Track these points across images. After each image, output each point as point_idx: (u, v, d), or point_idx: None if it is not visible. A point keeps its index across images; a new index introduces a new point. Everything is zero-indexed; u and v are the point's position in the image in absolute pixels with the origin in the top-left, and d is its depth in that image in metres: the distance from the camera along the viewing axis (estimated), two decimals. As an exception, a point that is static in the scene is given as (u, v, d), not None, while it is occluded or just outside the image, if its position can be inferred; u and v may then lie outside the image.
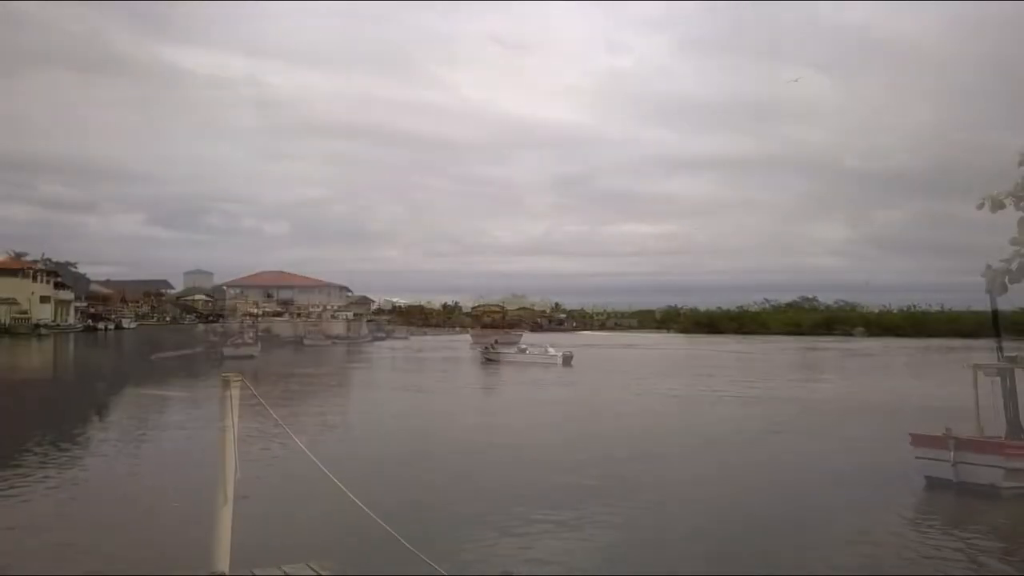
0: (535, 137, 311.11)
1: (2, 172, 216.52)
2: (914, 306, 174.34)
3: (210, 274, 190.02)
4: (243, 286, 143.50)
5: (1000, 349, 17.96)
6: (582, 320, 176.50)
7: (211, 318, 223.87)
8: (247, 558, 7.48)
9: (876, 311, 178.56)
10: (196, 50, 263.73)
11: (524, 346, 65.17)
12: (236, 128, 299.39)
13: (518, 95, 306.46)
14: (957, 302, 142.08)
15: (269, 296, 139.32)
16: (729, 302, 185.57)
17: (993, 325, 18.01)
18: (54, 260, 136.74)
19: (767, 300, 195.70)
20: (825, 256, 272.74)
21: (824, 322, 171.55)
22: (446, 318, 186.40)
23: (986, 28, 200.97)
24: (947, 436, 17.52)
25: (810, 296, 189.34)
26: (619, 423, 28.62)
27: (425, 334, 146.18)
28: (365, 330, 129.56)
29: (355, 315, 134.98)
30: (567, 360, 59.36)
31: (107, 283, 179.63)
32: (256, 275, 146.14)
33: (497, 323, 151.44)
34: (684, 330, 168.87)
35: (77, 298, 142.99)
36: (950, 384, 27.02)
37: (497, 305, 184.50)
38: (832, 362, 71.18)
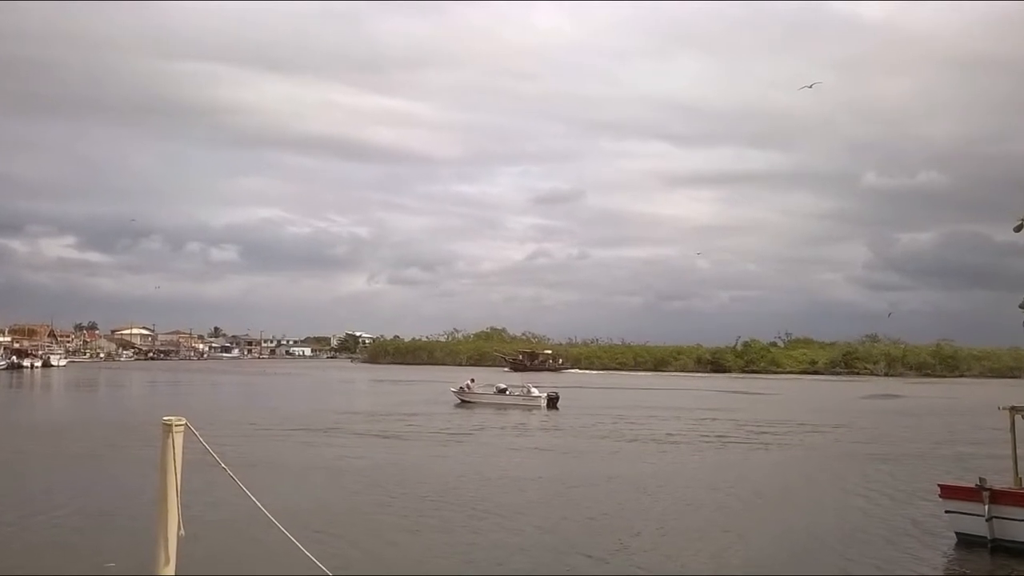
0: (516, 150, 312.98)
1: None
2: (946, 340, 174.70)
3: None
4: None
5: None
6: (572, 357, 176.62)
7: (152, 354, 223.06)
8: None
9: (901, 347, 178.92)
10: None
11: (504, 386, 65.16)
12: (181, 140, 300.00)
13: (497, 103, 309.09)
14: (992, 336, 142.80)
15: None
16: (733, 336, 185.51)
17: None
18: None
19: (779, 335, 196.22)
20: (843, 283, 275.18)
21: (842, 359, 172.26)
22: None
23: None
24: (980, 487, 17.51)
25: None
26: (604, 470, 28.54)
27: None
28: None
29: None
30: (552, 402, 59.35)
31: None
32: None
33: None
34: (684, 368, 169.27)
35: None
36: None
37: None
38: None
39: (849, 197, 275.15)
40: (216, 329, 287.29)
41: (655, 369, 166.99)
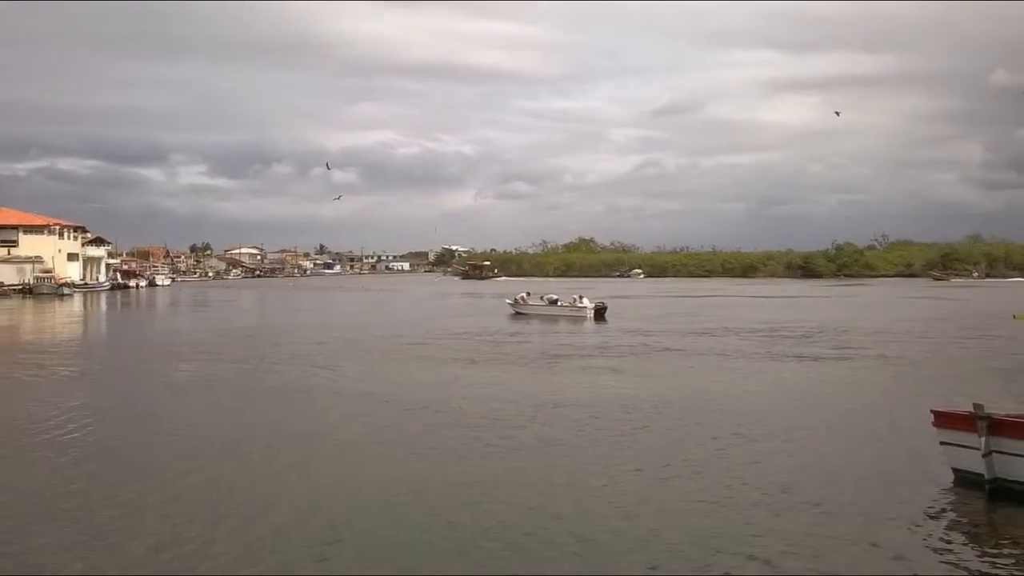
0: (620, 65, 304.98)
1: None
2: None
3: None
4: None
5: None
6: (657, 265, 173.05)
7: (258, 272, 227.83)
8: None
9: (1003, 245, 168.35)
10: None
11: (555, 296, 63.69)
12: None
13: (598, 21, 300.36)
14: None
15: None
16: (828, 241, 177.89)
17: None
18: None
19: (876, 237, 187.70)
20: (956, 184, 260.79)
21: (940, 260, 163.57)
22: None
23: None
24: (975, 415, 14.01)
25: None
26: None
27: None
28: (104, 276, 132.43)
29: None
30: (599, 313, 57.32)
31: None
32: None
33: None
34: (774, 274, 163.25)
35: (118, 254, 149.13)
36: None
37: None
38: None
39: (967, 97, 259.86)
40: (321, 247, 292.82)
41: (743, 276, 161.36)
